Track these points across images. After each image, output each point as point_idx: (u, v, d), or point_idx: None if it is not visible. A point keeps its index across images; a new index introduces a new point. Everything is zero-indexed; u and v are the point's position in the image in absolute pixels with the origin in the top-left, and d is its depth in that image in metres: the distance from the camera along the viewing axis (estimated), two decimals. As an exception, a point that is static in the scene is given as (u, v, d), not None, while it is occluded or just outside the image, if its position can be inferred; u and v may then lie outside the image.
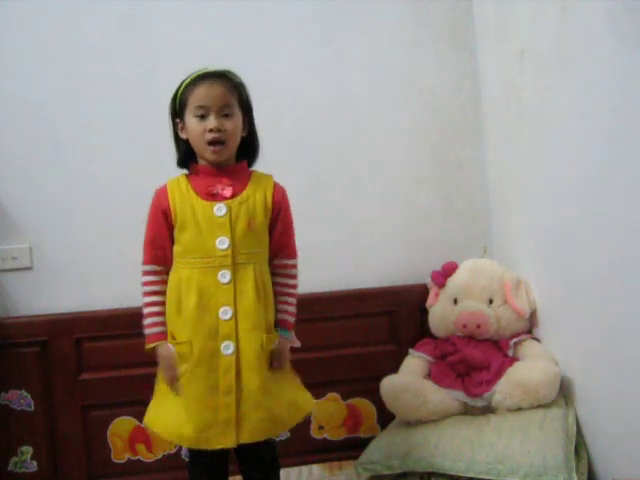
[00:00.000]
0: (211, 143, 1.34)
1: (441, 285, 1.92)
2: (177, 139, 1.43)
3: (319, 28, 2.06)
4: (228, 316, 1.33)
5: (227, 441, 1.33)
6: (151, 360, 1.94)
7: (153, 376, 1.89)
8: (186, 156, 1.42)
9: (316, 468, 1.94)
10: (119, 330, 1.91)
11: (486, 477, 1.47)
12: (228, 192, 1.36)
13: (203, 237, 1.35)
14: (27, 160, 1.95)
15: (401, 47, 2.09)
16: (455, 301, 1.88)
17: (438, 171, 2.12)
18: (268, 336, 1.37)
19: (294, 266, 1.46)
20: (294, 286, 1.46)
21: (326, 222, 2.06)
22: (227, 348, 1.33)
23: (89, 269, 1.98)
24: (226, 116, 1.34)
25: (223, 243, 1.34)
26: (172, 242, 1.39)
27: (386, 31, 2.09)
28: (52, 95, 1.96)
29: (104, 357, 1.92)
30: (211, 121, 1.33)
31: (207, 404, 1.33)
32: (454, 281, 1.90)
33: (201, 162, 1.41)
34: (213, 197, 1.36)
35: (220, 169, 1.39)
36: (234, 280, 1.34)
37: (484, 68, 2.09)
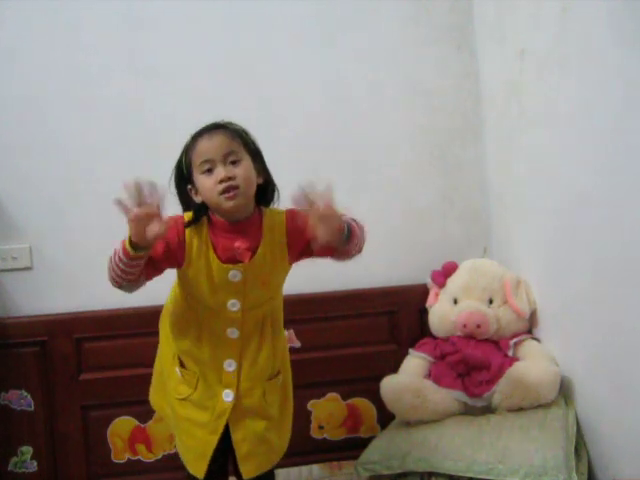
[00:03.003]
0: (224, 192, 1.24)
1: (441, 285, 1.92)
2: (189, 204, 1.33)
3: (319, 28, 2.06)
4: (232, 369, 1.36)
5: (198, 469, 1.38)
6: (151, 360, 1.95)
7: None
8: (198, 218, 1.32)
9: (316, 468, 1.94)
10: (119, 330, 1.92)
11: (486, 477, 1.46)
12: (246, 256, 1.28)
13: (215, 295, 1.32)
14: (27, 160, 1.95)
15: (401, 47, 2.09)
16: (455, 301, 1.88)
17: (438, 171, 2.12)
18: (269, 383, 1.40)
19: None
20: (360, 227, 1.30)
21: (326, 222, 2.06)
22: (227, 396, 1.36)
23: (89, 269, 1.97)
24: (233, 163, 1.26)
25: (235, 306, 1.33)
26: (167, 257, 1.28)
27: (386, 31, 2.08)
28: (52, 94, 1.96)
29: (104, 357, 1.92)
30: (219, 172, 1.24)
31: (194, 433, 1.38)
32: (454, 281, 1.90)
33: (217, 217, 1.31)
34: (229, 260, 1.29)
35: (236, 224, 1.30)
36: (241, 336, 1.36)
37: (484, 68, 2.09)
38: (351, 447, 1.93)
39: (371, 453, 1.64)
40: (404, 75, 2.10)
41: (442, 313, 1.89)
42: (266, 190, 1.35)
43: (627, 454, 1.42)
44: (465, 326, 1.82)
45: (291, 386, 1.51)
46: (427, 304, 1.95)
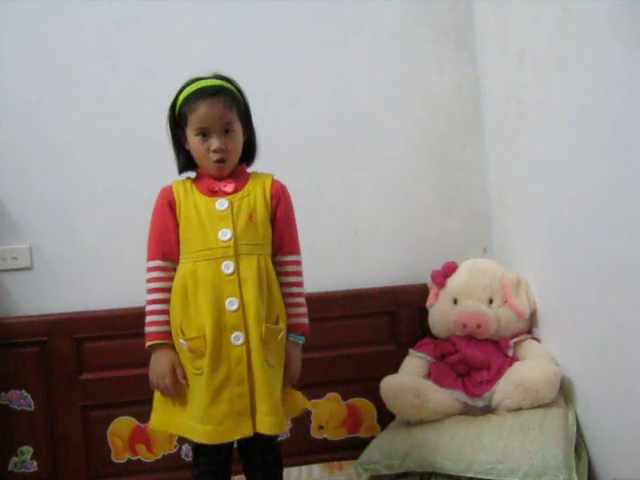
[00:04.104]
0: (215, 162, 1.37)
1: (441, 285, 1.92)
2: (177, 148, 1.45)
3: (319, 28, 2.06)
4: (235, 307, 1.33)
5: (244, 430, 1.32)
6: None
7: (153, 376, 1.90)
8: (187, 163, 1.45)
9: (316, 468, 1.94)
10: (119, 330, 1.91)
11: (486, 477, 1.47)
12: (229, 188, 1.39)
13: (206, 230, 1.36)
14: (27, 160, 1.95)
15: (401, 47, 2.10)
16: (455, 301, 1.88)
17: (438, 171, 2.12)
18: (269, 327, 1.35)
19: (294, 262, 1.45)
20: (297, 284, 1.45)
21: (326, 222, 2.06)
22: (237, 339, 1.32)
23: (89, 269, 1.98)
24: (227, 131, 1.37)
25: (225, 234, 1.35)
26: (178, 238, 1.40)
27: (386, 31, 2.09)
28: (52, 95, 1.96)
29: (104, 357, 1.92)
30: (214, 142, 1.36)
31: (222, 396, 1.32)
32: (454, 281, 1.90)
33: (204, 171, 1.43)
34: (215, 193, 1.39)
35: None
36: (237, 271, 1.34)
37: (484, 68, 2.09)
38: (351, 447, 1.93)
39: (371, 453, 1.65)
40: (404, 75, 2.10)
41: (442, 313, 1.89)
42: (247, 147, 1.46)
43: (627, 454, 1.42)
44: (465, 326, 1.82)
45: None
46: (427, 304, 1.95)
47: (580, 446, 1.57)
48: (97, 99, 1.97)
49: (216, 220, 1.36)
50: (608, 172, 1.41)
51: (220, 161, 1.37)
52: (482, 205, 2.13)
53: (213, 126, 1.35)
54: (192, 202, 1.39)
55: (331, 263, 2.05)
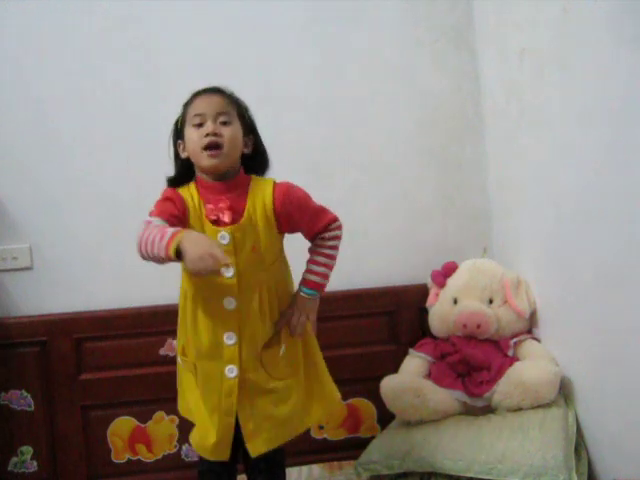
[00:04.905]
0: (207, 147, 1.31)
1: (441, 285, 1.92)
2: (176, 160, 1.42)
3: (319, 28, 2.06)
4: (232, 342, 1.33)
5: (222, 456, 1.37)
6: (151, 360, 1.95)
7: (153, 376, 1.90)
8: (182, 176, 1.39)
9: (316, 468, 1.94)
10: (119, 330, 1.92)
11: (486, 477, 1.46)
12: (227, 218, 1.32)
13: None
14: (27, 160, 1.95)
15: (401, 47, 2.09)
16: (455, 301, 1.87)
17: (438, 171, 2.12)
18: (266, 352, 1.36)
19: (333, 229, 1.43)
20: (330, 247, 1.43)
21: (326, 222, 2.06)
22: (231, 372, 1.34)
23: (89, 269, 1.98)
24: (224, 124, 1.33)
25: (229, 271, 1.31)
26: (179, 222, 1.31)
27: (386, 31, 2.09)
28: (52, 95, 1.96)
29: (104, 357, 1.92)
30: (208, 126, 1.32)
31: (209, 422, 1.35)
32: (454, 281, 1.90)
33: (202, 177, 1.37)
34: (216, 223, 1.33)
35: (220, 183, 1.35)
36: (239, 307, 1.33)
37: (484, 68, 2.09)
38: (351, 447, 1.93)
39: (371, 453, 1.64)
40: (404, 75, 2.10)
41: (442, 313, 1.89)
42: (255, 160, 1.42)
43: (627, 454, 1.42)
44: (465, 326, 1.82)
45: (313, 354, 1.49)
46: (427, 304, 1.95)
47: (580, 446, 1.57)
48: (97, 99, 1.97)
49: None
50: (608, 172, 1.41)
51: (212, 146, 1.30)
52: (482, 205, 2.13)
53: (208, 112, 1.32)
54: (199, 223, 1.32)
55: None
